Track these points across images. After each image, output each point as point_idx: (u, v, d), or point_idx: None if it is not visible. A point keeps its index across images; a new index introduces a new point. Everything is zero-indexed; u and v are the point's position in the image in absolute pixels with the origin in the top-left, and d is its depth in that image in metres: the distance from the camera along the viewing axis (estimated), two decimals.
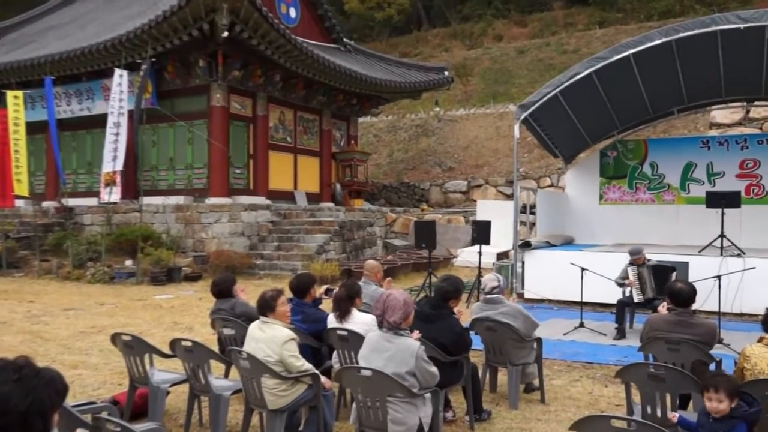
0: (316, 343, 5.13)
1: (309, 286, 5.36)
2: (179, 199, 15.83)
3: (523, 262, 11.03)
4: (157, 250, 13.73)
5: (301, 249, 14.57)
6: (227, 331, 5.35)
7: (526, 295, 10.84)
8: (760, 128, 16.44)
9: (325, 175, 19.43)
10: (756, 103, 13.82)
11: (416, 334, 4.02)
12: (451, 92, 25.30)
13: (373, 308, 3.93)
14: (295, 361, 4.15)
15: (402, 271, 13.63)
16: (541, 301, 10.68)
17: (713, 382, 3.23)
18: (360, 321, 4.90)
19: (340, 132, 20.54)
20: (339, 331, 4.84)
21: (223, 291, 5.67)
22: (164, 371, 5.07)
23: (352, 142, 20.74)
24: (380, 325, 3.86)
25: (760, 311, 3.90)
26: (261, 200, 16.47)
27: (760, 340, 3.78)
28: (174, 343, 4.70)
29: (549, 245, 11.62)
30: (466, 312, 5.08)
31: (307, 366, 4.21)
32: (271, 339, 4.21)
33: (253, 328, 4.39)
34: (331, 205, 18.74)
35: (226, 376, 5.27)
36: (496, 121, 23.61)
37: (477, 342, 5.64)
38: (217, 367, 5.33)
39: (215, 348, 5.45)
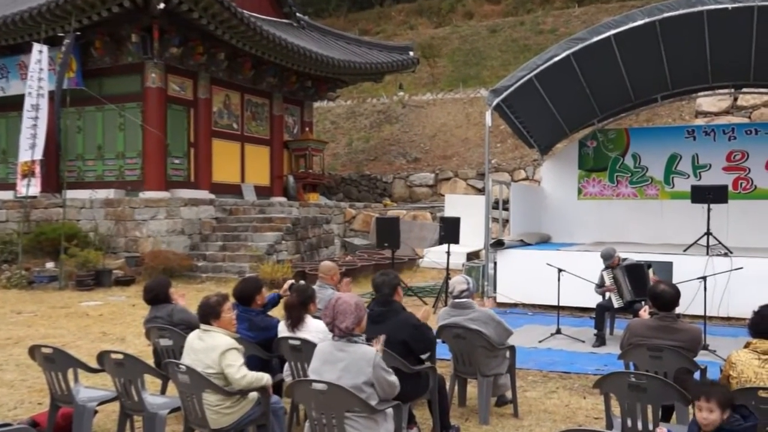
0: (265, 354, 5.10)
1: (255, 291, 5.32)
2: (109, 193, 15.55)
3: (495, 263, 11.15)
4: (84, 250, 13.46)
5: (249, 249, 14.47)
6: (164, 342, 5.28)
7: (499, 299, 10.96)
8: (749, 117, 16.95)
9: (276, 166, 19.32)
10: (744, 90, 14.22)
11: (379, 344, 4.01)
12: (417, 75, 25.39)
13: (322, 315, 3.92)
14: (234, 372, 4.11)
15: (362, 273, 13.63)
16: (515, 305, 10.82)
17: (704, 391, 3.27)
18: (314, 329, 4.88)
19: (293, 118, 20.43)
20: (291, 341, 4.81)
21: (158, 296, 5.58)
22: (91, 388, 4.98)
23: (307, 129, 20.65)
24: (331, 332, 3.85)
25: (747, 315, 4.02)
26: (203, 194, 16.30)
27: (747, 345, 3.89)
28: (102, 356, 4.61)
29: (523, 244, 11.77)
30: (431, 314, 5.13)
31: (252, 377, 4.17)
32: (210, 348, 4.19)
33: (192, 337, 4.36)
34: (283, 199, 18.64)
35: (163, 392, 5.21)
36: (466, 107, 23.78)
37: (444, 351, 5.68)
38: (152, 382, 5.25)
39: (150, 361, 5.36)
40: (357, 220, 18.50)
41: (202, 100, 16.92)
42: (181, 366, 4.16)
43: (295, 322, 4.94)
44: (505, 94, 10.77)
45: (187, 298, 6.03)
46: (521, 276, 10.81)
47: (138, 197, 15.15)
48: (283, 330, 5.02)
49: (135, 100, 15.91)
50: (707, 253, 9.81)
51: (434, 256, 14.15)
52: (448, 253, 11.07)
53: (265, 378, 4.23)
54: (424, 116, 24.22)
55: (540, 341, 8.26)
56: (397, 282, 4.98)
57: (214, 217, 15.80)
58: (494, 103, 10.90)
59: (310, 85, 20.15)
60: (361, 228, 18.33)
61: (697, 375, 4.61)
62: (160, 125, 15.71)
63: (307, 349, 4.63)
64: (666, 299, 4.70)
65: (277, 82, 19.01)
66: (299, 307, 4.98)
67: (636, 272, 8.12)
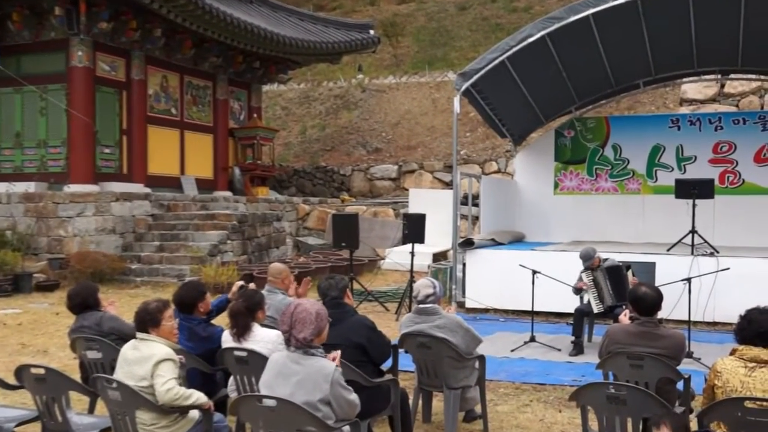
0: (208, 367, 5.07)
1: (197, 297, 5.30)
2: (29, 186, 15.23)
3: (464, 265, 11.23)
4: (0, 251, 13.18)
5: (189, 250, 14.35)
6: (92, 355, 5.21)
7: (468, 304, 11.05)
8: (737, 105, 17.38)
9: (220, 156, 19.16)
10: (732, 76, 14.59)
11: (334, 354, 4.02)
12: (378, 56, 25.38)
13: (279, 322, 3.91)
14: (160, 384, 4.08)
15: (317, 275, 13.58)
16: (486, 311, 10.91)
17: (654, 420, 3.38)
18: (263, 339, 4.86)
19: (239, 103, 20.28)
20: (237, 352, 4.79)
21: (85, 303, 5.50)
22: (8, 407, 4.90)
23: (255, 115, 20.52)
24: (287, 342, 3.84)
25: (734, 319, 4.11)
26: (138, 188, 16.09)
27: (733, 352, 3.99)
28: (21, 371, 4.53)
29: (495, 244, 11.88)
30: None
31: (177, 391, 4.15)
32: (145, 358, 4.16)
33: (127, 347, 4.34)
34: (228, 194, 18.50)
35: (91, 411, 5.13)
36: (432, 92, 23.88)
37: (407, 362, 5.71)
38: (78, 400, 5.18)
39: (76, 376, 5.29)
40: (311, 217, 18.44)
41: (136, 81, 16.68)
42: (111, 381, 4.11)
43: (241, 331, 4.91)
44: (474, 78, 10.84)
45: (119, 305, 5.96)
46: (492, 279, 10.91)
47: (62, 191, 14.87)
48: (227, 340, 4.99)
49: (59, 81, 15.58)
50: (692, 253, 10.04)
51: (397, 256, 14.19)
52: (413, 253, 11.11)
53: (194, 397, 4.20)
54: (386, 102, 24.24)
55: (512, 350, 8.34)
56: (345, 284, 5.03)
57: (149, 213, 15.61)
58: (463, 88, 10.96)
59: (259, 66, 20.01)
60: (316, 226, 18.28)
61: (680, 385, 4.72)
62: (88, 110, 15.43)
63: (254, 361, 4.61)
64: (647, 303, 4.79)
65: (222, 63, 18.83)
66: (246, 315, 4.95)
67: (616, 274, 8.27)
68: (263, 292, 5.66)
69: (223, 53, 18.57)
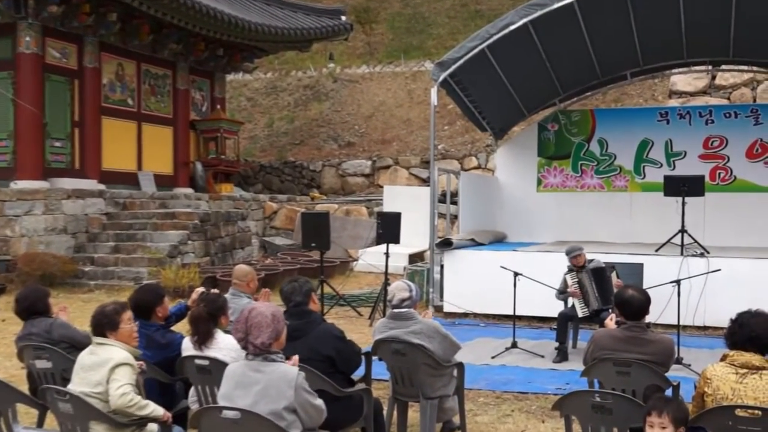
0: (167, 377, 5.03)
1: (155, 301, 5.25)
2: None
3: (441, 266, 11.25)
4: None
5: (147, 251, 14.25)
6: (41, 364, 5.15)
7: (446, 308, 11.08)
8: (728, 98, 17.59)
9: (180, 151, 19.03)
10: (723, 67, 14.76)
11: (294, 359, 4.01)
12: (351, 44, 25.34)
13: (233, 329, 3.90)
14: (114, 388, 4.06)
15: (285, 279, 13.55)
16: (465, 315, 10.96)
17: (656, 405, 3.41)
18: (226, 346, 4.83)
19: (201, 93, 20.15)
20: (198, 360, 4.76)
21: (33, 308, 5.44)
22: None
23: (218, 106, 20.40)
24: (244, 350, 3.83)
25: (726, 323, 4.16)
26: (91, 184, 15.95)
27: (724, 358, 4.04)
28: None
29: (474, 244, 11.92)
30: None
31: (133, 398, 4.12)
32: (101, 363, 4.15)
33: (84, 354, 4.34)
34: (189, 191, 18.39)
35: (40, 425, 5.07)
36: (408, 82, 23.90)
37: (381, 370, 5.71)
38: (26, 413, 5.13)
39: (24, 387, 5.23)
40: (279, 215, 18.38)
41: (90, 69, 16.50)
42: (63, 392, 4.07)
43: (202, 337, 4.88)
44: (453, 67, 10.87)
45: (71, 310, 5.89)
46: (472, 281, 10.95)
47: (8, 188, 14.68)
48: (188, 348, 4.95)
49: (5, 68, 15.39)
50: (681, 254, 10.15)
51: (371, 258, 14.19)
52: (387, 254, 11.11)
53: (150, 408, 4.19)
54: (359, 93, 24.21)
55: (493, 357, 8.38)
56: (309, 287, 5.01)
57: (104, 212, 15.48)
58: (440, 79, 10.98)
59: (222, 54, 19.87)
60: (284, 225, 18.23)
61: (669, 392, 4.76)
62: (37, 100, 15.25)
63: (217, 370, 4.58)
64: (635, 306, 4.83)
65: (182, 50, 18.69)
66: (208, 320, 4.92)
67: (600, 276, 8.33)
68: (227, 296, 5.62)
69: (184, 40, 18.42)
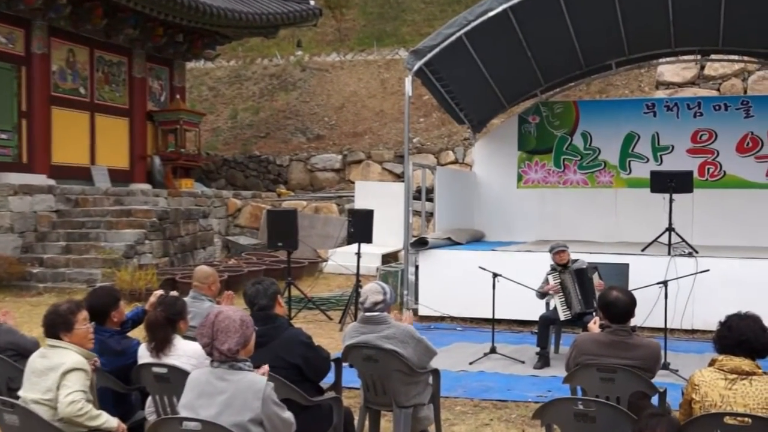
0: (122, 386, 5.00)
1: (110, 305, 5.22)
2: None
3: (416, 267, 11.26)
4: None
5: (101, 251, 14.13)
6: None
7: (421, 312, 11.09)
8: (717, 89, 17.80)
9: (137, 143, 18.89)
10: (712, 56, 14.92)
11: (264, 368, 4.00)
12: (320, 30, 25.28)
13: (198, 334, 3.87)
14: (63, 395, 4.03)
15: (249, 280, 13.51)
16: (441, 319, 10.98)
17: (648, 424, 3.45)
18: (186, 353, 4.81)
19: (159, 82, 20.01)
20: (155, 368, 4.72)
21: None
22: None
23: (178, 96, 20.27)
24: (209, 356, 3.81)
25: (714, 326, 4.20)
26: (40, 180, 15.78)
27: (712, 363, 4.08)
28: None
29: (451, 243, 11.95)
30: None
31: (82, 407, 4.09)
32: (53, 367, 4.13)
33: (35, 357, 4.33)
34: (147, 187, 18.25)
35: None
36: (381, 71, 23.91)
37: (352, 377, 5.71)
38: None
39: None
40: (243, 213, 18.31)
41: (38, 56, 16.32)
42: (8, 403, 4.02)
43: (160, 344, 4.84)
44: (428, 56, 10.86)
45: (17, 315, 5.83)
46: (449, 283, 10.97)
47: None
48: (145, 355, 4.91)
49: None
50: (669, 253, 10.26)
51: (341, 258, 14.17)
52: (359, 254, 11.10)
53: (102, 418, 4.18)
54: (328, 82, 24.17)
55: (471, 363, 8.41)
56: (275, 290, 5.00)
57: (54, 209, 15.33)
58: (415, 68, 10.98)
59: (182, 41, 19.74)
60: (249, 223, 18.15)
61: (655, 399, 4.81)
62: None
63: (176, 378, 4.55)
64: (619, 309, 4.86)
65: (139, 35, 18.54)
66: (166, 325, 4.88)
67: (582, 278, 8.38)
68: (187, 299, 5.59)
69: (141, 24, 18.27)
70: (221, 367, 3.78)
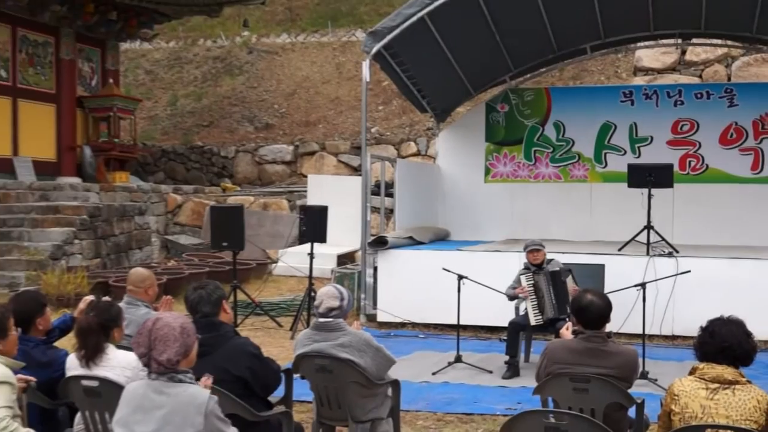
0: (48, 401, 4.94)
1: (35, 311, 5.16)
2: None
3: (375, 269, 11.27)
4: None
5: (25, 251, 13.96)
6: None
7: (380, 317, 11.10)
8: (699, 76, 18.04)
9: (65, 133, 18.67)
10: (694, 41, 15.11)
11: (206, 380, 3.98)
12: (269, 8, 25.18)
13: (133, 343, 3.85)
14: None
15: (191, 284, 13.43)
16: (402, 325, 10.99)
17: None
18: (120, 363, 4.77)
19: (90, 64, 19.79)
20: (85, 381, 4.68)
21: None
22: None
23: (111, 81, 20.03)
24: (146, 367, 3.78)
25: (696, 332, 4.26)
26: None
27: (693, 371, 4.13)
28: None
29: (413, 243, 11.97)
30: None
31: (14, 428, 4.06)
32: None
33: None
34: (76, 180, 18.05)
35: None
36: (336, 55, 23.88)
37: (304, 389, 5.70)
38: None
39: None
40: (184, 210, 18.17)
41: None
42: None
43: (91, 352, 4.80)
44: (388, 38, 10.87)
45: None
46: (410, 286, 10.97)
47: None
48: (73, 366, 4.86)
49: None
50: (647, 253, 10.37)
51: (293, 259, 14.13)
52: (312, 255, 11.08)
53: None
54: (278, 66, 24.09)
55: (434, 373, 8.43)
56: (220, 295, 4.98)
57: None
58: (374, 51, 10.98)
59: (116, 19, 19.52)
60: (191, 221, 18.03)
61: (632, 411, 4.86)
62: None
63: (108, 392, 4.52)
64: (594, 313, 4.90)
65: (67, 13, 18.31)
66: (98, 332, 4.84)
67: (556, 281, 8.44)
68: (121, 304, 5.54)
69: (69, 1, 18.06)
70: (159, 380, 3.76)
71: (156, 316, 3.92)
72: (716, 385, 3.98)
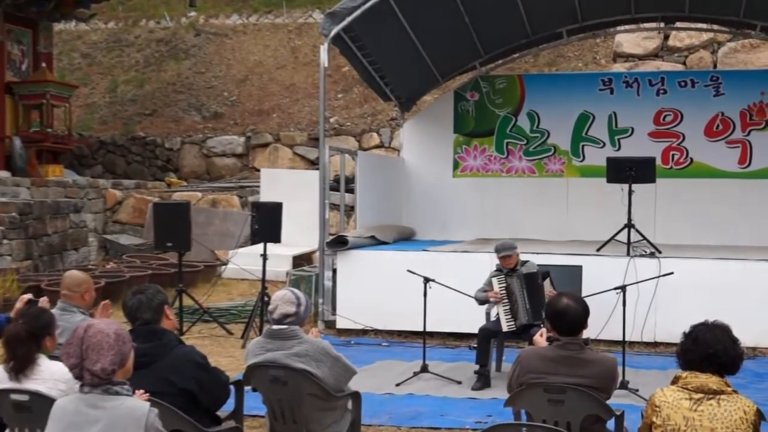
0: None
1: None
2: None
3: (334, 271, 11.27)
4: None
5: None
6: None
7: (339, 324, 11.10)
8: (683, 63, 18.21)
9: None
10: (677, 24, 15.26)
11: (142, 395, 3.95)
12: None
13: (63, 353, 3.81)
14: None
15: (132, 288, 13.35)
16: (363, 332, 11.00)
17: None
18: (52, 375, 4.74)
19: (20, 47, 19.57)
20: (14, 395, 4.65)
21: None
22: None
23: (44, 65, 19.83)
24: (78, 379, 3.75)
25: (679, 338, 4.29)
26: None
27: (675, 381, 4.15)
28: None
29: (376, 243, 11.98)
30: None
31: None
32: None
33: None
34: (5, 174, 17.84)
35: None
36: (291, 38, 23.83)
37: (256, 402, 5.68)
38: None
39: None
40: (125, 207, 18.06)
41: None
42: None
43: (20, 364, 4.76)
44: (348, 20, 10.86)
45: None
46: (372, 289, 10.98)
47: None
48: (2, 379, 4.82)
49: None
50: (628, 254, 10.45)
51: (244, 261, 14.06)
52: (265, 256, 11.04)
53: None
54: (228, 50, 24.00)
55: (398, 384, 8.44)
56: (162, 300, 4.96)
57: None
58: (332, 34, 10.96)
59: None
60: (132, 219, 17.92)
61: (611, 424, 4.90)
62: None
63: (39, 407, 4.48)
64: (570, 319, 4.91)
65: None
66: (28, 341, 4.80)
67: (532, 284, 8.47)
68: (55, 310, 5.49)
69: None
70: (93, 392, 3.72)
71: (87, 322, 3.89)
72: (700, 396, 3.99)
